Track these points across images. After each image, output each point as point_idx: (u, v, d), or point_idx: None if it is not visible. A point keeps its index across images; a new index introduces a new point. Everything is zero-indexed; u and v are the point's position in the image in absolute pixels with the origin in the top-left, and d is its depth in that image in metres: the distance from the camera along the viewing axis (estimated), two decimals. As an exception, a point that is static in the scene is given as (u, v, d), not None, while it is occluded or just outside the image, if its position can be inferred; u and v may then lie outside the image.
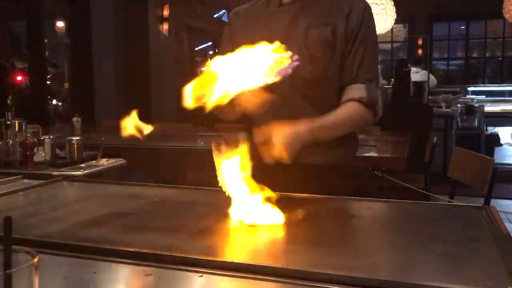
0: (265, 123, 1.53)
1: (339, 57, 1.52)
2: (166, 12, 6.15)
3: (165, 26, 6.20)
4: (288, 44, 1.50)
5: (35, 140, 2.21)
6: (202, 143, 3.64)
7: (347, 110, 1.50)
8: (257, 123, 1.56)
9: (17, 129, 2.26)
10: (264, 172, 1.57)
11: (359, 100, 1.49)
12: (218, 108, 1.58)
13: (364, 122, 1.56)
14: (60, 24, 7.47)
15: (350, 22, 1.51)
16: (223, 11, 8.49)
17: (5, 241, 0.49)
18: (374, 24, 1.58)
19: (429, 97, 6.13)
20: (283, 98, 1.51)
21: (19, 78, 7.25)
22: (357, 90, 1.50)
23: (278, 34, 1.51)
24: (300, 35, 1.51)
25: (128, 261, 0.91)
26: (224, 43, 1.71)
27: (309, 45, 1.50)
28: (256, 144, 1.37)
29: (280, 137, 1.35)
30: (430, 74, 6.77)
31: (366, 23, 1.52)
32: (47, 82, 6.06)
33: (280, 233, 1.13)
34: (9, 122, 2.25)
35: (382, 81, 6.37)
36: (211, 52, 7.99)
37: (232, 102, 1.43)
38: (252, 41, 1.57)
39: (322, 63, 1.50)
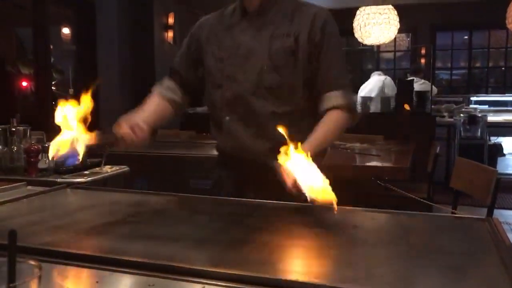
0: (234, 132, 1.61)
1: (301, 66, 1.55)
2: (171, 20, 6.18)
3: (170, 34, 6.22)
4: (253, 54, 1.57)
5: (40, 146, 2.21)
6: (205, 150, 3.65)
7: (334, 121, 1.56)
8: (227, 131, 1.64)
9: (21, 135, 2.27)
10: (238, 179, 1.62)
11: (341, 108, 1.55)
12: None
13: (346, 127, 1.61)
14: (66, 30, 7.51)
15: (314, 31, 1.55)
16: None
17: (10, 254, 0.49)
18: (338, 31, 1.63)
19: (432, 106, 6.13)
20: (249, 108, 1.57)
21: (24, 84, 7.29)
22: (336, 98, 1.55)
23: (243, 43, 1.59)
24: (264, 45, 1.56)
25: (130, 271, 0.91)
26: (182, 51, 1.78)
27: (272, 54, 1.54)
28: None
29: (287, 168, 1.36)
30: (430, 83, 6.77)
31: (329, 31, 1.57)
32: (52, 88, 6.08)
33: (282, 244, 1.13)
34: (14, 129, 2.26)
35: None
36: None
37: None
38: (219, 50, 1.63)
39: (286, 72, 1.55)
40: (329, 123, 1.55)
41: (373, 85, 6.38)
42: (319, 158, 1.64)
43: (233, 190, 1.66)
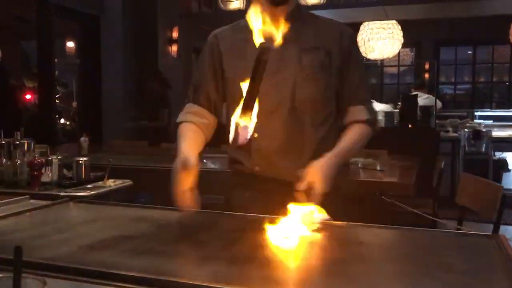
0: (265, 149, 1.57)
1: (333, 80, 1.58)
2: (175, 34, 6.23)
3: (174, 48, 6.27)
4: (283, 67, 1.54)
5: (43, 160, 2.21)
6: (209, 164, 3.65)
7: (358, 134, 1.57)
8: (256, 149, 1.58)
9: (25, 149, 2.27)
10: (269, 199, 1.59)
11: (365, 122, 1.58)
12: None
13: (367, 140, 1.63)
14: (70, 44, 7.57)
15: (342, 47, 1.58)
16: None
17: (15, 270, 0.49)
18: (359, 49, 1.71)
19: (436, 121, 6.12)
20: (284, 121, 1.55)
21: (28, 97, 7.33)
22: (360, 112, 1.59)
23: (272, 58, 1.53)
24: (293, 58, 1.55)
25: (134, 286, 0.91)
26: (203, 65, 1.69)
27: (305, 67, 1.54)
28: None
29: (316, 173, 1.39)
30: (434, 98, 6.77)
31: (354, 47, 1.65)
32: (56, 101, 6.11)
33: (286, 261, 1.12)
34: (17, 142, 2.27)
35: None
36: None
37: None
38: (243, 63, 1.58)
39: (320, 85, 1.56)
40: (353, 136, 1.56)
41: None
42: (341, 174, 1.61)
43: (261, 211, 1.56)
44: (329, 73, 1.57)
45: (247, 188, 1.67)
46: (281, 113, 1.54)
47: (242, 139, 1.26)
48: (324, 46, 1.57)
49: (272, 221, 1.31)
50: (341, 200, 1.65)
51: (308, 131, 1.56)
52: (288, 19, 1.55)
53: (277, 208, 1.51)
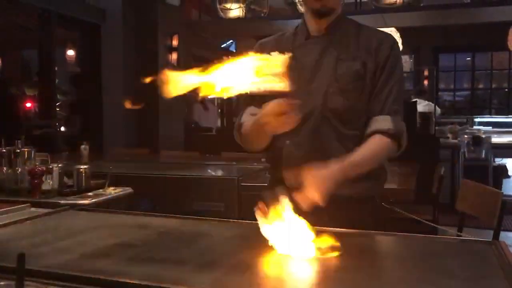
0: (295, 156, 1.55)
1: (368, 90, 1.54)
2: (175, 42, 6.25)
3: (174, 56, 6.28)
4: (318, 77, 1.54)
5: (44, 168, 2.22)
6: (209, 172, 3.65)
7: (375, 145, 1.51)
8: (287, 156, 1.57)
9: (26, 157, 2.28)
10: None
11: (386, 132, 1.50)
12: (244, 138, 1.59)
13: (390, 154, 1.56)
14: (70, 52, 7.59)
15: (379, 56, 1.54)
16: (231, 41, 8.64)
17: (18, 277, 0.49)
18: (401, 58, 1.62)
19: (436, 127, 6.13)
20: (314, 130, 1.53)
21: (28, 105, 7.34)
22: (383, 122, 1.51)
23: (308, 67, 1.55)
24: (330, 68, 1.54)
25: (134, 294, 0.91)
26: None
27: (339, 77, 1.52)
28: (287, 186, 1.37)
29: (314, 180, 1.36)
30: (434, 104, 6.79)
31: (393, 57, 1.56)
32: (56, 109, 6.12)
33: (286, 268, 1.12)
34: (18, 150, 2.27)
35: None
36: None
37: (257, 130, 1.45)
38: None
39: (353, 95, 1.53)
40: (369, 148, 1.50)
41: None
42: (376, 185, 1.62)
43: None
44: (362, 84, 1.53)
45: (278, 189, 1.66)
46: (311, 122, 1.53)
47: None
48: (361, 57, 1.54)
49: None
50: (376, 213, 1.64)
51: (335, 142, 1.53)
52: (330, 29, 1.58)
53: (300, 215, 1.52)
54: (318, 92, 1.54)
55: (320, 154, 1.51)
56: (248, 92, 1.67)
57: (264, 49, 1.64)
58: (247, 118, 1.62)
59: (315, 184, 1.36)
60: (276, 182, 1.65)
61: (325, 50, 1.56)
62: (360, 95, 1.53)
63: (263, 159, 1.73)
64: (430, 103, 6.75)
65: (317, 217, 1.42)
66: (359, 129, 1.55)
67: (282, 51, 1.58)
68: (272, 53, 1.34)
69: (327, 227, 1.39)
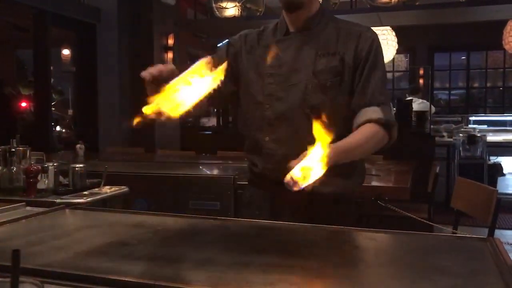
0: (275, 153, 1.56)
1: (347, 86, 1.53)
2: (170, 42, 6.24)
3: (170, 55, 6.28)
4: (297, 73, 1.53)
5: (39, 167, 2.21)
6: (204, 171, 3.65)
7: (368, 131, 1.50)
8: (266, 153, 1.59)
9: (21, 156, 2.27)
10: (271, 200, 1.59)
11: (377, 121, 1.49)
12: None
13: (381, 144, 1.55)
14: (66, 52, 7.57)
15: (359, 51, 1.53)
16: (226, 41, 8.66)
17: (13, 273, 0.49)
18: (382, 52, 1.61)
19: (431, 126, 6.15)
20: (294, 127, 1.53)
21: (23, 104, 7.32)
22: (373, 112, 1.50)
23: (286, 63, 1.55)
24: (308, 64, 1.53)
25: (130, 291, 0.91)
26: (219, 52, 1.69)
27: (317, 73, 1.51)
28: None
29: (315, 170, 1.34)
30: (428, 103, 6.81)
31: (374, 51, 1.55)
32: (52, 108, 6.11)
33: (282, 265, 1.12)
34: (13, 149, 2.26)
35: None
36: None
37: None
38: (259, 67, 1.59)
39: (331, 91, 1.52)
40: (362, 132, 1.49)
41: None
42: (355, 183, 1.63)
43: (269, 211, 1.61)
44: (341, 80, 1.53)
45: (259, 187, 1.68)
46: (292, 118, 1.53)
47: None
48: (340, 52, 1.53)
49: (270, 225, 1.31)
50: (355, 211, 1.65)
51: (318, 138, 1.51)
52: (308, 24, 1.57)
53: (282, 209, 1.54)
54: (297, 89, 1.53)
55: (300, 150, 1.50)
56: None
57: (246, 40, 1.68)
58: None
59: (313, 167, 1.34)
60: (256, 179, 1.69)
61: (303, 46, 1.56)
62: (339, 91, 1.53)
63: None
64: (425, 101, 6.77)
65: (296, 215, 1.49)
66: (339, 124, 1.53)
67: (262, 45, 1.61)
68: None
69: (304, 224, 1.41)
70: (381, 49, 1.59)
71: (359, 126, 1.51)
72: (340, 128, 1.53)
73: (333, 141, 1.44)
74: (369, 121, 1.50)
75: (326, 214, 1.53)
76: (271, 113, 1.56)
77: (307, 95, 1.52)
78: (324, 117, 1.49)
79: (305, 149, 1.47)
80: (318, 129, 1.42)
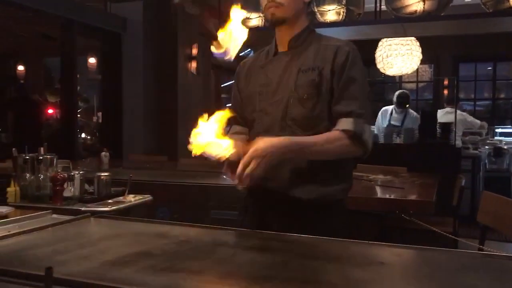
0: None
1: (325, 98, 1.62)
2: (194, 51, 6.30)
3: (193, 65, 6.34)
4: (281, 89, 1.66)
5: (65, 175, 2.25)
6: (227, 180, 3.65)
7: (331, 135, 1.58)
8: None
9: (48, 164, 2.31)
10: (259, 208, 1.68)
11: (344, 131, 1.57)
12: None
13: (347, 152, 1.60)
14: (92, 60, 7.71)
15: (336, 63, 1.62)
16: (249, 49, 8.69)
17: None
18: (361, 64, 1.67)
19: (456, 138, 6.04)
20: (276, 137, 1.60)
21: (50, 111, 7.46)
22: (343, 123, 1.58)
23: (273, 80, 1.69)
24: (291, 80, 1.65)
25: (155, 304, 0.91)
26: (234, 90, 1.86)
27: (298, 88, 1.62)
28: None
29: (261, 144, 1.47)
30: (472, 117, 6.75)
31: (351, 63, 1.62)
32: (78, 115, 6.21)
33: (307, 280, 1.11)
34: (41, 157, 2.31)
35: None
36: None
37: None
38: (253, 87, 1.73)
39: (309, 104, 1.62)
40: (323, 136, 1.57)
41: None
42: (340, 191, 1.68)
43: (257, 218, 1.71)
44: (318, 92, 1.61)
45: (250, 197, 1.77)
46: (275, 131, 1.64)
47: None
48: (318, 66, 1.63)
49: (291, 238, 1.32)
50: (345, 216, 1.70)
51: None
52: (293, 43, 1.70)
53: (267, 216, 1.65)
54: (280, 103, 1.65)
55: (281, 161, 1.57)
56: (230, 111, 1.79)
57: (244, 66, 1.84)
58: (231, 137, 1.72)
59: (261, 148, 1.45)
60: (249, 189, 1.73)
61: (288, 64, 1.68)
62: (317, 102, 1.61)
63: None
64: (464, 113, 6.67)
65: (285, 222, 1.58)
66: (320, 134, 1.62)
67: (256, 68, 1.76)
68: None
69: (294, 230, 1.47)
70: (360, 60, 1.66)
71: None
72: None
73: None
74: (337, 130, 1.58)
75: (309, 220, 1.60)
76: (260, 127, 1.69)
77: (287, 108, 1.64)
78: (303, 127, 1.62)
79: (288, 160, 1.58)
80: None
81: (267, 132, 1.64)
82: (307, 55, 1.67)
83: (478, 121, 6.89)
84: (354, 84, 1.61)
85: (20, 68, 8.49)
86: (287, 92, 1.65)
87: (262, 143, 1.48)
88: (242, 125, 1.80)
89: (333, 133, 1.58)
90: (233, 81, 1.90)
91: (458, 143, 5.96)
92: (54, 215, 1.80)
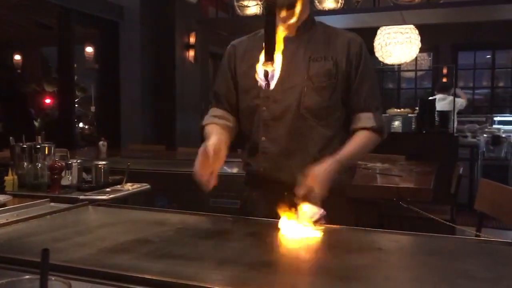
0: (271, 152, 1.64)
1: (340, 88, 1.63)
2: (192, 40, 6.27)
3: (191, 53, 6.30)
4: (292, 76, 1.62)
5: (63, 164, 2.24)
6: (225, 169, 3.65)
7: (363, 140, 1.64)
8: (263, 152, 1.67)
9: (46, 153, 2.31)
10: (266, 198, 1.65)
11: (371, 129, 1.63)
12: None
13: (373, 146, 1.68)
14: (89, 49, 7.67)
15: (351, 55, 1.64)
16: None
17: (42, 271, 0.50)
18: (370, 57, 1.72)
19: (455, 126, 6.04)
20: (290, 127, 1.62)
21: (47, 101, 7.44)
22: (367, 120, 1.64)
23: (281, 66, 1.59)
24: (302, 68, 1.62)
25: (153, 289, 0.92)
26: (222, 72, 1.79)
27: (312, 76, 1.61)
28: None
29: (317, 176, 1.47)
30: (458, 98, 6.69)
31: (365, 56, 1.66)
32: (75, 105, 6.19)
33: (304, 266, 1.12)
34: (38, 146, 2.30)
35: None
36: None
37: None
38: (254, 70, 1.64)
39: (327, 93, 1.62)
40: (358, 142, 1.62)
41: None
42: (347, 178, 1.70)
43: (266, 210, 1.63)
44: (335, 82, 1.62)
45: (255, 188, 1.75)
46: (287, 119, 1.62)
47: (268, 85, 1.37)
48: (332, 56, 1.63)
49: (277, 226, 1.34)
50: (348, 205, 1.72)
51: (313, 136, 1.62)
52: (299, 30, 1.68)
53: (279, 208, 1.58)
54: (293, 91, 1.62)
55: (295, 149, 1.62)
56: (213, 94, 1.78)
57: (239, 46, 1.77)
58: (209, 120, 1.74)
59: (319, 179, 1.46)
60: (252, 178, 1.76)
61: (296, 51, 1.65)
62: (333, 93, 1.62)
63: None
64: (451, 97, 6.65)
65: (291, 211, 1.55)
66: (333, 124, 1.65)
67: (255, 50, 1.65)
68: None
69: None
70: (369, 55, 1.71)
71: (354, 131, 1.65)
72: (335, 127, 1.66)
73: (329, 141, 1.61)
74: (363, 128, 1.63)
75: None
76: (267, 114, 1.65)
77: (303, 97, 1.62)
78: (318, 116, 1.62)
79: (301, 148, 1.60)
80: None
81: (277, 120, 1.62)
82: (316, 43, 1.65)
83: (459, 99, 6.87)
84: (371, 78, 1.67)
85: (17, 57, 8.45)
86: (300, 80, 1.62)
87: (317, 172, 1.49)
88: (224, 109, 1.75)
89: (363, 136, 1.63)
90: (222, 64, 1.81)
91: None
92: (52, 204, 1.80)
